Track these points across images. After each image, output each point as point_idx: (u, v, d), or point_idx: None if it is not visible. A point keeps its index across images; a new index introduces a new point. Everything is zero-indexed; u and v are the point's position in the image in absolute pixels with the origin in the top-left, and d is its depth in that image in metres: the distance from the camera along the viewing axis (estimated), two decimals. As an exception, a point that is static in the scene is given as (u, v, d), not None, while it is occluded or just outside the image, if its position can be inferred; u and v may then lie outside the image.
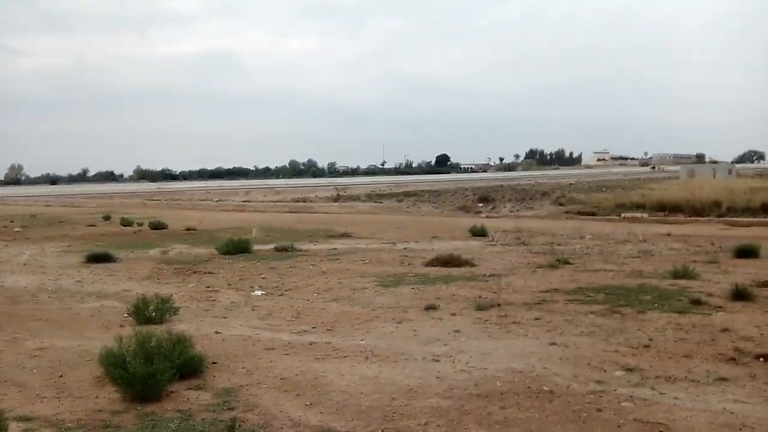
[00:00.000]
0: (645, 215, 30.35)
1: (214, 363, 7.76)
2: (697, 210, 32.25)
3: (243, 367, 7.66)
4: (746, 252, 16.19)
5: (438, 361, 7.78)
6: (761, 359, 7.57)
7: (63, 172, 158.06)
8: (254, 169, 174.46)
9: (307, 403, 6.45)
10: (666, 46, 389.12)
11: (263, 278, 14.16)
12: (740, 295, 10.83)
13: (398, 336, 9.06)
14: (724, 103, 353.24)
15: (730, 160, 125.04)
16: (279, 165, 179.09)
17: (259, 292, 12.55)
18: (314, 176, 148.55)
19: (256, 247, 19.16)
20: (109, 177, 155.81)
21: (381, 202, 44.44)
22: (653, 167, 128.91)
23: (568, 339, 8.65)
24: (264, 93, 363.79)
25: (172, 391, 6.71)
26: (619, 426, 5.71)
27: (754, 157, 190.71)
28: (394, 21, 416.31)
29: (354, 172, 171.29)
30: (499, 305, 10.76)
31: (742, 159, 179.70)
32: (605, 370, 7.29)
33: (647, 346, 8.21)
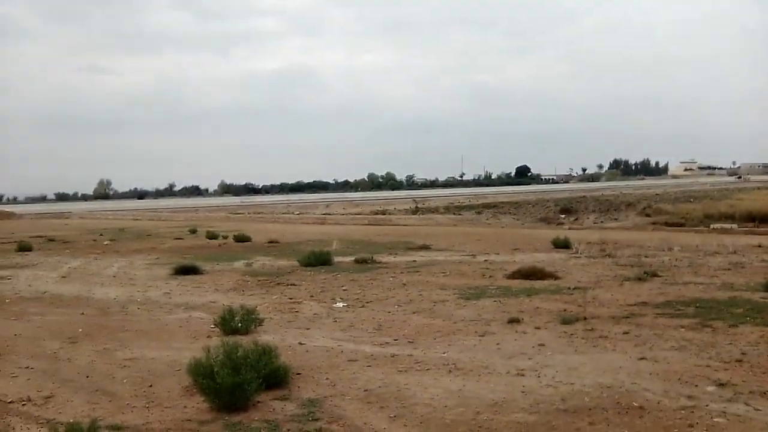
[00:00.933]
0: (734, 226, 29.28)
1: (299, 374, 7.85)
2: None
3: (327, 378, 7.74)
4: None
5: (523, 375, 7.68)
6: None
7: (150, 187, 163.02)
8: (334, 182, 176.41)
9: (391, 415, 6.46)
10: (751, 53, 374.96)
11: (344, 290, 14.28)
12: None
13: (481, 349, 8.98)
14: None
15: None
16: (358, 178, 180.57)
17: (340, 304, 12.66)
18: (393, 189, 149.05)
19: (336, 259, 19.36)
20: (194, 191, 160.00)
21: (460, 214, 44.26)
22: (739, 176, 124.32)
23: (658, 354, 8.41)
24: (342, 107, 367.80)
25: (258, 401, 6.82)
26: (713, 443, 5.52)
27: None
28: (468, 34, 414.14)
29: (432, 185, 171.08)
30: (585, 319, 10.55)
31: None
32: (696, 386, 7.05)
33: (740, 361, 7.91)
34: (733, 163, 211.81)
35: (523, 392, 7.01)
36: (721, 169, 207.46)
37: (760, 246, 20.87)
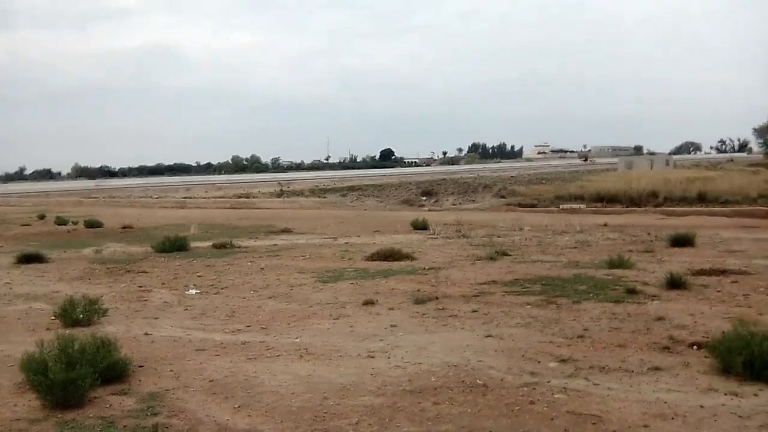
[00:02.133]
0: (583, 206, 30.75)
1: (141, 366, 7.47)
2: (635, 200, 32.82)
3: (171, 370, 7.40)
4: (681, 241, 16.46)
5: (373, 357, 7.64)
6: (695, 347, 7.60)
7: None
8: (196, 165, 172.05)
9: (236, 405, 6.25)
10: (605, 42, 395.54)
11: (199, 276, 13.85)
12: (675, 283, 10.94)
13: (334, 333, 8.90)
14: (663, 96, 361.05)
15: (667, 152, 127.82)
16: (221, 161, 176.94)
17: (193, 291, 12.25)
18: (257, 172, 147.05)
19: (194, 245, 18.80)
20: (46, 175, 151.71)
21: (324, 197, 44.15)
22: (586, 159, 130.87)
23: (504, 331, 8.61)
24: (206, 88, 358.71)
25: (95, 397, 6.42)
26: (551, 419, 5.65)
27: (691, 149, 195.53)
28: (337, 16, 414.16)
29: (298, 168, 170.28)
30: (437, 298, 10.68)
31: (680, 150, 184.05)
32: (539, 362, 7.25)
33: (582, 337, 8.21)
34: (584, 146, 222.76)
35: (372, 374, 6.97)
36: (572, 152, 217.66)
37: (605, 225, 21.97)
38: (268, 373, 7.16)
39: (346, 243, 19.15)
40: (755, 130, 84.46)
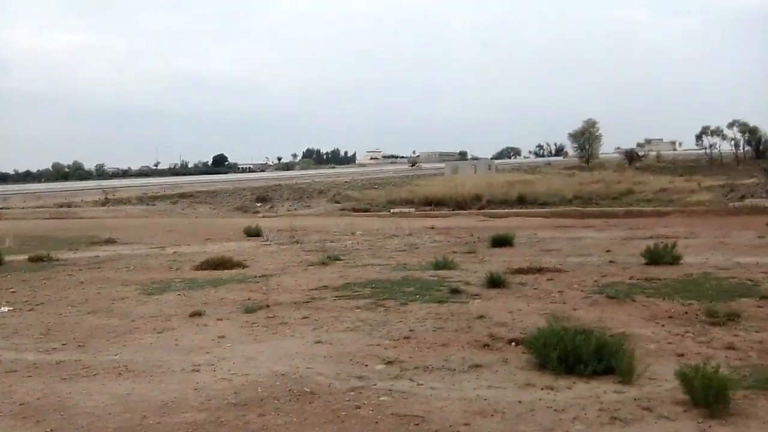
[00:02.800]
0: (412, 210, 31.58)
1: (-61, 394, 6.83)
2: (460, 204, 34.11)
3: (-26, 396, 6.82)
4: (501, 241, 17.26)
5: (198, 371, 7.40)
6: (513, 344, 7.94)
7: None
8: (14, 173, 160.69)
9: (48, 429, 5.85)
10: (432, 50, 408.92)
11: (12, 292, 12.88)
12: (495, 282, 11.44)
13: (158, 347, 8.55)
14: (485, 102, 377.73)
15: (489, 157, 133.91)
16: (41, 168, 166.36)
17: (5, 309, 11.37)
18: (80, 179, 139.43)
19: (8, 258, 17.46)
20: None
21: (154, 205, 42.64)
22: (413, 164, 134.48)
23: (334, 336, 8.63)
24: (26, 92, 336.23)
25: None
26: (376, 422, 5.71)
27: (511, 153, 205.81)
28: (167, 17, 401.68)
29: (125, 174, 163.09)
30: (267, 306, 10.54)
31: (501, 155, 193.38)
32: (367, 365, 7.31)
33: (408, 338, 8.37)
34: (414, 151, 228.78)
35: (195, 389, 6.74)
36: (403, 157, 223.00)
37: (433, 228, 22.66)
38: (83, 394, 6.75)
39: (175, 252, 18.55)
40: (570, 135, 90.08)
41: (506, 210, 30.98)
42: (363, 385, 6.65)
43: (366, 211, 32.82)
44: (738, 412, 5.54)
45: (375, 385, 6.64)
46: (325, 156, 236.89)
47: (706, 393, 5.52)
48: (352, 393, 6.42)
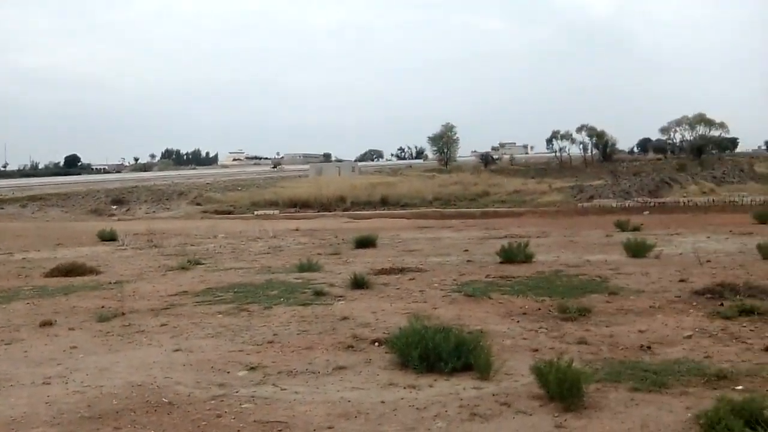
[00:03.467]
0: (277, 212, 31.36)
1: None
2: (325, 205, 34.24)
3: None
4: (365, 242, 17.43)
5: (49, 384, 6.97)
6: (376, 344, 7.99)
7: None
8: None
9: None
10: (297, 50, 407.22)
11: None
12: (358, 283, 11.50)
13: (5, 360, 7.99)
14: (349, 104, 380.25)
15: (353, 159, 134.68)
16: None
17: None
18: None
19: None
20: None
21: (2, 209, 40.12)
22: (275, 166, 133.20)
23: (194, 343, 8.38)
24: None
25: None
26: (238, 430, 5.57)
27: (374, 156, 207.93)
28: (7, 11, 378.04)
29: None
30: (123, 314, 10.11)
31: (364, 157, 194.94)
32: (229, 372, 7.14)
33: (272, 342, 8.26)
34: (278, 153, 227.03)
35: (47, 403, 6.34)
36: (267, 159, 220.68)
37: (297, 230, 22.58)
38: None
39: (24, 258, 17.57)
40: (430, 138, 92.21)
41: (370, 211, 31.35)
42: (224, 393, 6.48)
43: (229, 213, 32.33)
44: (591, 404, 5.79)
45: (237, 392, 6.49)
46: (185, 157, 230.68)
47: (561, 387, 5.73)
48: (213, 402, 6.24)
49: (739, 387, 6.06)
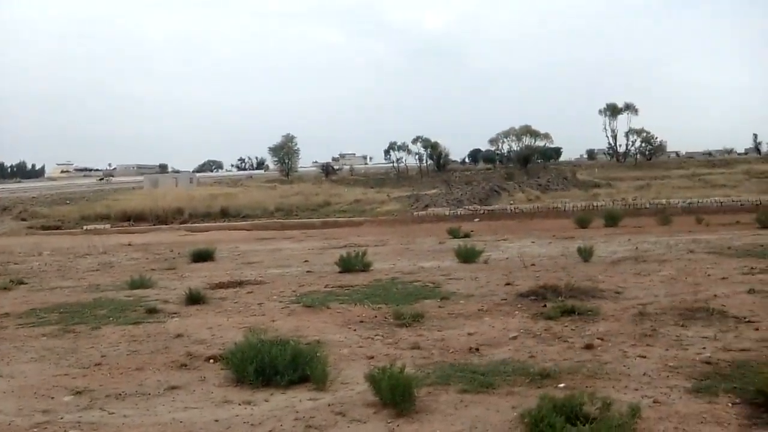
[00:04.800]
0: (108, 226, 30.03)
1: None
2: (161, 218, 33.19)
3: None
4: (202, 256, 17.06)
5: None
6: (211, 361, 7.84)
7: None
8: None
9: None
10: (130, 58, 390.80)
11: None
12: (194, 299, 11.23)
13: None
14: (186, 114, 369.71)
15: (191, 170, 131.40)
16: None
17: None
18: None
19: None
20: None
21: None
22: (101, 178, 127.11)
23: (15, 368, 7.87)
24: None
25: None
26: (62, 458, 5.31)
27: (213, 167, 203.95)
28: None
29: None
30: (-67, 341, 9.33)
31: (203, 168, 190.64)
32: (53, 398, 6.75)
33: (99, 364, 7.89)
34: (110, 164, 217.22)
35: None
36: (98, 170, 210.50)
37: (130, 244, 21.73)
38: None
39: None
40: (270, 149, 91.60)
41: (209, 223, 30.71)
42: (48, 419, 6.13)
43: (57, 228, 30.61)
44: (423, 408, 5.97)
45: (62, 418, 6.16)
46: (9, 169, 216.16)
47: (393, 393, 5.88)
48: (35, 429, 5.89)
49: (561, 385, 6.44)
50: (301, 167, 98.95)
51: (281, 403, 6.34)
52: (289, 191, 50.17)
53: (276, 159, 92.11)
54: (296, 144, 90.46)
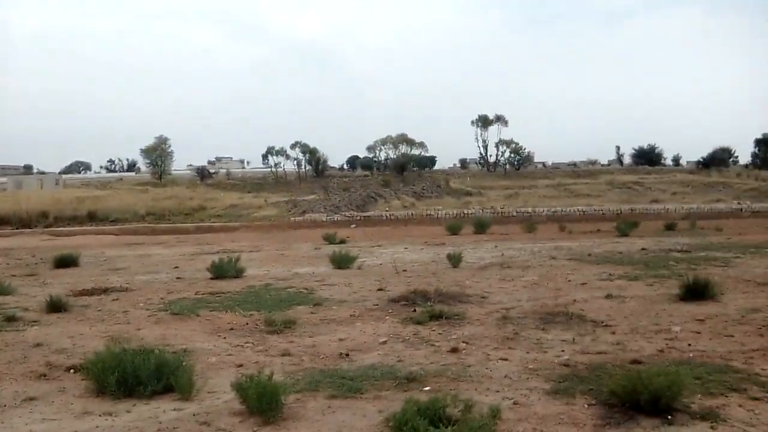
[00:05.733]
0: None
1: None
2: (25, 221, 31.61)
3: None
4: (66, 262, 16.39)
5: None
6: (71, 371, 7.54)
7: None
8: None
9: None
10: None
11: None
12: (56, 306, 10.77)
13: None
14: (53, 112, 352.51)
15: (57, 171, 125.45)
16: None
17: None
18: None
19: None
20: None
21: None
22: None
23: None
24: None
25: None
26: None
27: (81, 168, 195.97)
28: None
29: None
30: None
31: (70, 169, 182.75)
32: None
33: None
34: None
35: None
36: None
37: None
38: None
39: None
40: (142, 150, 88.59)
41: (75, 228, 29.51)
42: None
43: None
44: (290, 415, 5.95)
45: None
46: None
47: (260, 401, 5.84)
48: None
49: (427, 388, 6.59)
50: (175, 170, 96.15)
51: (144, 413, 6.17)
52: (161, 195, 48.70)
53: (148, 161, 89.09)
54: (170, 146, 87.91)
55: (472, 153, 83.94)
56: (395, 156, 76.83)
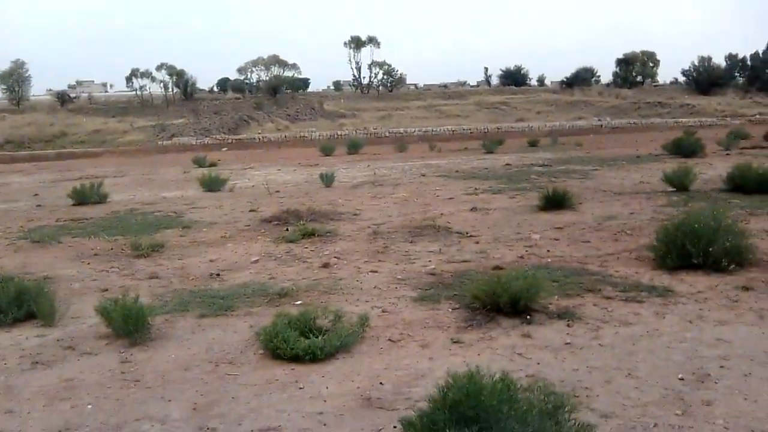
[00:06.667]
0: None
1: None
2: None
3: None
4: None
5: None
6: None
7: None
8: None
9: None
10: None
11: None
12: None
13: None
14: None
15: None
16: None
17: None
18: None
19: None
20: None
21: None
22: None
23: None
24: None
25: None
26: None
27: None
28: None
29: None
30: None
31: None
32: None
33: None
34: None
35: None
36: None
37: None
38: None
39: None
40: None
41: None
42: None
43: None
44: (159, 336, 5.89)
45: None
46: None
47: (126, 323, 5.72)
48: None
49: (299, 302, 6.66)
50: (33, 96, 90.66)
51: (5, 341, 5.95)
52: (20, 122, 45.82)
53: (4, 87, 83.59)
54: (28, 71, 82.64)
55: (346, 75, 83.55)
56: (267, 78, 75.24)
